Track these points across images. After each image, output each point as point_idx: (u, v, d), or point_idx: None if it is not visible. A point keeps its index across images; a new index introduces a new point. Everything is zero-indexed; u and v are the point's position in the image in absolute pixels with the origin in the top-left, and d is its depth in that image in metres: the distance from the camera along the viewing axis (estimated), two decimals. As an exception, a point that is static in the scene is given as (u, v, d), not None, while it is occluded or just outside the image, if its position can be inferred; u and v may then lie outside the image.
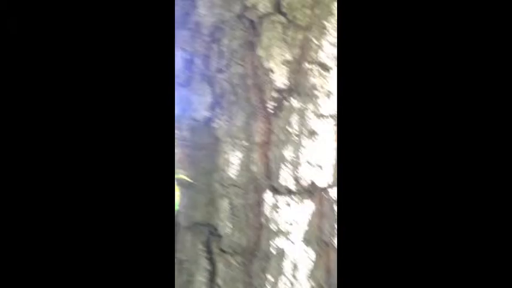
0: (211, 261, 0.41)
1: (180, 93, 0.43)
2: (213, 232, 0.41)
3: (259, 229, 0.39)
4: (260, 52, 0.39)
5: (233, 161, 0.41)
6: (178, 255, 0.43)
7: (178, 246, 0.44)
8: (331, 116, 0.40)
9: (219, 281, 0.40)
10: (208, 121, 0.42)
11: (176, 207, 0.37)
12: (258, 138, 0.39)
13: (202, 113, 0.42)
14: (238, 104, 0.40)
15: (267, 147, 0.39)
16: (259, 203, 0.39)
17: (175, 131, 0.41)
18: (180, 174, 0.39)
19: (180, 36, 0.42)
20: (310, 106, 0.39)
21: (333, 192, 0.41)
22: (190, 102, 0.43)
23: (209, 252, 0.41)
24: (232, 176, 0.41)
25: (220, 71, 0.40)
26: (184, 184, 0.41)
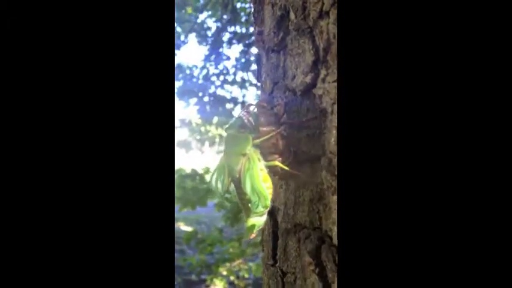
0: (324, 279, 0.29)
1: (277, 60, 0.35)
2: (325, 240, 0.30)
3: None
4: None
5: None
6: (280, 264, 0.35)
7: (278, 253, 0.36)
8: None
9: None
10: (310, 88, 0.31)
11: (266, 205, 0.29)
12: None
13: (301, 79, 0.31)
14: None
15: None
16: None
17: None
18: (274, 161, 0.30)
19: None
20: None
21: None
22: (285, 67, 0.34)
23: (320, 266, 0.30)
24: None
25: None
26: (279, 173, 0.32)
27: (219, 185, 0.32)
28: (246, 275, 1.91)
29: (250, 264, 1.93)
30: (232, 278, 1.87)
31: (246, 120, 0.30)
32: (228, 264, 1.92)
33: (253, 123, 0.31)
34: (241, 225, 1.96)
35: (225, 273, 1.90)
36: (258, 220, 0.31)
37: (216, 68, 2.09)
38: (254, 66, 2.07)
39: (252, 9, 0.44)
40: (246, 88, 2.13)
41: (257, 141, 0.30)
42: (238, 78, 2.10)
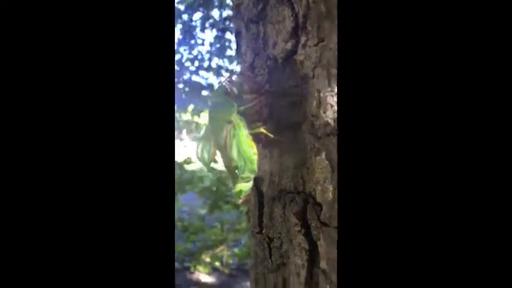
0: (310, 238, 0.31)
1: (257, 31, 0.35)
2: (309, 200, 0.31)
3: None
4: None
5: (330, 101, 0.29)
6: (266, 231, 0.36)
7: (264, 220, 0.36)
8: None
9: (322, 263, 0.31)
10: (291, 55, 0.31)
11: (253, 169, 0.30)
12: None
13: (282, 46, 0.32)
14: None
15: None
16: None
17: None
18: (258, 128, 0.31)
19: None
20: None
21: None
22: (265, 37, 0.34)
23: (305, 226, 0.31)
24: (331, 122, 0.29)
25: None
26: (263, 141, 0.32)
27: (205, 155, 0.32)
28: (230, 261, 1.93)
29: (234, 250, 1.96)
30: (216, 263, 1.88)
31: (229, 89, 0.31)
32: (211, 251, 1.93)
33: (237, 92, 0.31)
34: (223, 213, 1.98)
35: (208, 260, 1.91)
36: (245, 185, 0.32)
37: (190, 53, 2.06)
38: (230, 52, 2.05)
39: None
40: (222, 75, 2.11)
41: (241, 108, 0.31)
42: (213, 65, 2.08)
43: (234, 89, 0.30)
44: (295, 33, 0.31)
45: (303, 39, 0.31)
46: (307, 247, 0.31)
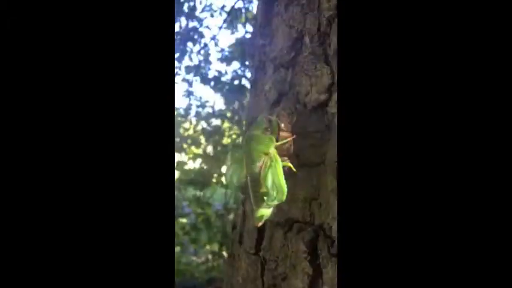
0: (314, 264, 0.35)
1: (285, 75, 0.40)
2: (319, 232, 0.36)
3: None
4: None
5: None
6: (263, 253, 0.40)
7: (263, 243, 0.41)
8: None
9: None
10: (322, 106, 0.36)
11: (283, 199, 0.34)
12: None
13: (316, 97, 0.37)
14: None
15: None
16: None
17: None
18: (287, 163, 0.35)
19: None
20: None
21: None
22: (295, 82, 0.39)
23: (313, 255, 0.35)
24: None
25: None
26: (285, 174, 0.35)
27: (235, 179, 0.35)
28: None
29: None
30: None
31: (267, 125, 0.35)
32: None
33: (272, 128, 0.35)
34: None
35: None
36: (267, 211, 0.35)
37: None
38: (187, 62, 2.04)
39: (258, 22, 0.48)
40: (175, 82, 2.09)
41: (277, 143, 0.35)
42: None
43: (276, 126, 0.35)
44: (330, 88, 0.37)
45: (335, 94, 0.37)
46: (310, 272, 0.36)
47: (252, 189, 0.35)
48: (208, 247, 1.97)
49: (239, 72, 1.96)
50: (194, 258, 2.00)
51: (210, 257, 1.93)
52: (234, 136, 1.98)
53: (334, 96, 0.36)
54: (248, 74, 1.90)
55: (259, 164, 0.34)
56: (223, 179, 1.94)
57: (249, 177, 0.35)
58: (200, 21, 1.95)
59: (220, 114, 1.98)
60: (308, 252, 0.36)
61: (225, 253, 1.87)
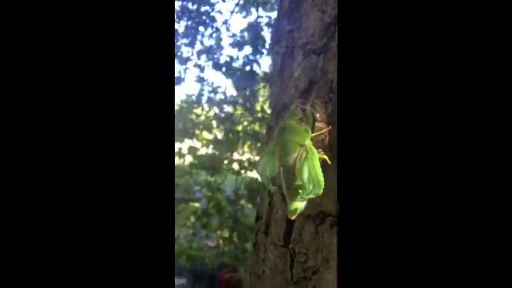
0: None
1: (317, 62, 0.38)
2: None
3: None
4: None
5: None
6: (293, 245, 0.39)
7: (293, 235, 0.39)
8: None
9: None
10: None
11: (319, 193, 0.32)
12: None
13: None
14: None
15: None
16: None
17: None
18: (323, 155, 0.33)
19: None
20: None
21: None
22: (326, 69, 0.36)
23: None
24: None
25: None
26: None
27: (268, 171, 0.34)
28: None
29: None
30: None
31: (302, 115, 0.33)
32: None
33: (307, 118, 0.34)
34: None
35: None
36: (301, 204, 0.34)
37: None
38: (199, 46, 2.02)
39: (285, 7, 0.46)
40: (187, 66, 2.08)
41: (312, 135, 0.33)
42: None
43: (310, 116, 0.33)
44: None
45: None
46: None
47: (285, 181, 0.34)
48: (218, 232, 1.99)
49: (251, 57, 1.94)
50: (206, 242, 2.02)
51: (221, 242, 1.95)
52: (245, 123, 1.97)
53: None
54: (261, 60, 1.87)
55: (294, 155, 0.32)
56: (234, 165, 1.94)
57: (282, 169, 0.34)
58: (212, 5, 1.92)
59: (233, 101, 1.97)
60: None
61: (236, 239, 1.89)
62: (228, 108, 1.98)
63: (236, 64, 1.94)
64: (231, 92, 2.02)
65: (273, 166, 0.34)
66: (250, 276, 0.49)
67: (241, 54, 1.93)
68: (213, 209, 1.87)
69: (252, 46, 1.87)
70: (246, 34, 1.89)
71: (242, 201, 1.91)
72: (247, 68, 1.91)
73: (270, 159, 0.34)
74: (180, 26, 1.88)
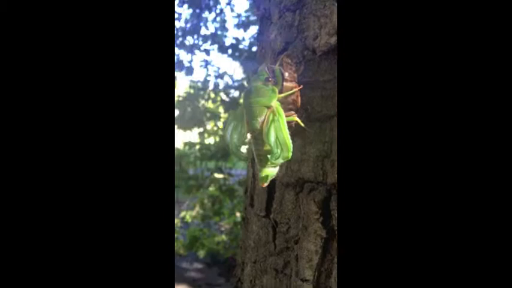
0: (327, 226, 0.33)
1: (293, 20, 0.35)
2: (332, 191, 0.33)
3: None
4: None
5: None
6: (274, 216, 0.38)
7: (274, 205, 0.38)
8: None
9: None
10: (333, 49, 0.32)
11: (288, 157, 0.30)
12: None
13: (326, 40, 0.32)
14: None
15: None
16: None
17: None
18: (293, 117, 0.32)
19: None
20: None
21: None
22: (302, 27, 0.34)
23: (325, 215, 0.32)
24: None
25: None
26: (292, 130, 0.32)
27: (235, 136, 0.32)
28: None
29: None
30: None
31: (270, 75, 0.31)
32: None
33: (275, 78, 0.31)
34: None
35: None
36: (272, 171, 0.32)
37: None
38: (204, 31, 2.00)
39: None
40: (193, 53, 2.06)
41: (280, 95, 0.31)
42: (187, 43, 2.01)
43: (279, 75, 0.31)
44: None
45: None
46: (324, 235, 0.33)
47: (255, 147, 0.32)
48: (226, 220, 2.00)
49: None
50: (218, 226, 2.04)
51: (233, 227, 1.96)
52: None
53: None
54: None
55: (260, 119, 0.30)
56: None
57: (250, 135, 0.32)
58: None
59: (239, 86, 1.94)
60: (320, 213, 0.33)
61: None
62: (235, 93, 1.96)
63: (242, 46, 1.91)
64: (238, 76, 2.00)
65: (241, 132, 0.32)
66: (241, 251, 0.48)
67: (247, 36, 1.89)
68: (225, 194, 1.87)
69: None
70: (250, 14, 1.85)
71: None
72: (254, 49, 1.87)
73: (238, 125, 0.32)
74: (183, 10, 1.86)
